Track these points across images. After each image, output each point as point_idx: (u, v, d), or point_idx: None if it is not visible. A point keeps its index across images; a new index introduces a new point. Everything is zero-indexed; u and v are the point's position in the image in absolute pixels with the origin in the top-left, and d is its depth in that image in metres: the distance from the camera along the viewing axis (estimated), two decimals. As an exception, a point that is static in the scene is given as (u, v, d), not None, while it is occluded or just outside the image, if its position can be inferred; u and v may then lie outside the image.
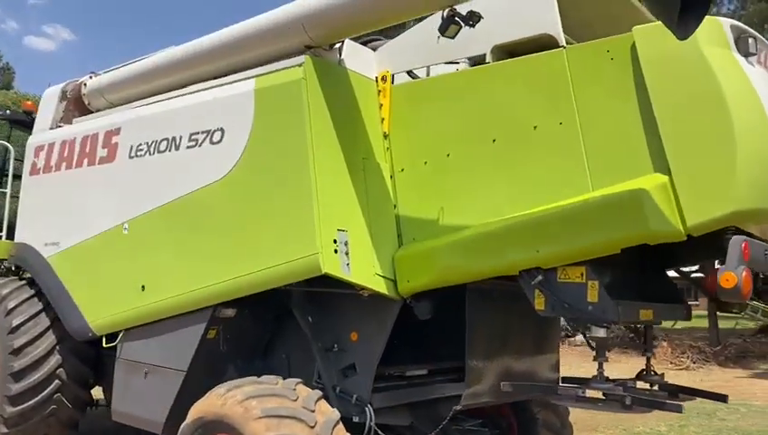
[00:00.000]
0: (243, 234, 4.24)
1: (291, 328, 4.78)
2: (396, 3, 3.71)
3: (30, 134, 7.27)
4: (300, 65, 4.12)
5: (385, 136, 4.45)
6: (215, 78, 4.88)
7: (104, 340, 5.15)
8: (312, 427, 3.59)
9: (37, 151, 6.15)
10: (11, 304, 5.69)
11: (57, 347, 5.63)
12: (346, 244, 3.97)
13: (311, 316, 4.51)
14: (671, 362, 15.23)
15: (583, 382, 3.93)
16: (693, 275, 4.51)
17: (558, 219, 3.53)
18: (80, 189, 5.60)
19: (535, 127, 3.80)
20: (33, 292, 5.81)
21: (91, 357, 5.82)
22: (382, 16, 3.85)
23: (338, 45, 4.38)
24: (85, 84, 5.99)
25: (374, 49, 4.68)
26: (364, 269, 4.03)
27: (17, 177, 7.21)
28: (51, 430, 5.68)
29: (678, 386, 4.26)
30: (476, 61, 4.47)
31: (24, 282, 5.96)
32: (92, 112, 6.02)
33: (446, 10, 3.58)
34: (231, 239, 4.30)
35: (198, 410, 3.86)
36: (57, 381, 5.59)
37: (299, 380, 4.04)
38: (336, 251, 3.90)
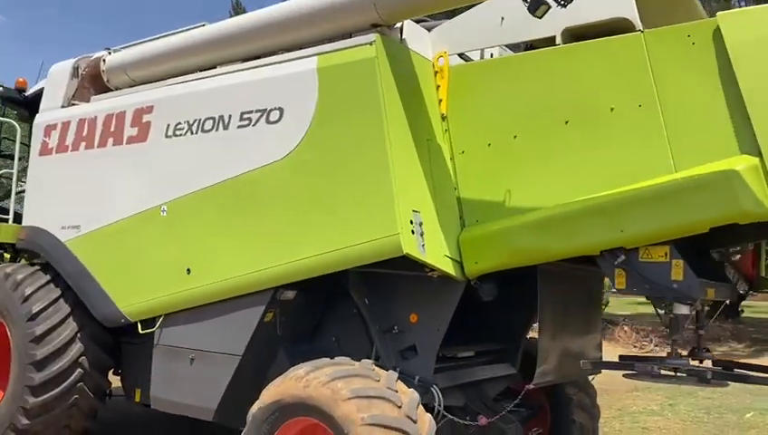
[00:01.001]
0: (311, 214, 4.15)
1: (342, 310, 4.72)
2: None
3: (23, 112, 6.94)
4: (371, 44, 4.05)
5: (443, 117, 4.43)
6: (256, 58, 4.77)
7: (139, 326, 4.96)
8: (400, 407, 3.57)
9: (48, 130, 5.86)
10: (28, 291, 5.42)
11: (79, 334, 5.40)
12: (420, 225, 3.94)
13: (367, 298, 4.47)
14: (634, 346, 15.75)
15: (647, 361, 4.03)
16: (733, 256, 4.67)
17: (646, 200, 3.59)
18: (104, 170, 5.36)
19: (612, 109, 3.85)
20: (48, 277, 5.55)
21: (110, 344, 5.63)
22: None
23: (398, 25, 4.33)
24: (104, 61, 5.72)
25: (428, 29, 4.65)
26: (435, 250, 4.02)
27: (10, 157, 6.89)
28: (72, 420, 5.46)
29: (731, 361, 4.42)
30: (529, 45, 4.52)
31: (36, 267, 5.68)
32: (112, 90, 5.76)
33: (536, -11, 3.58)
34: (297, 219, 4.20)
35: (275, 392, 3.77)
36: (80, 369, 5.37)
37: (372, 361, 4.00)
38: (413, 232, 3.87)
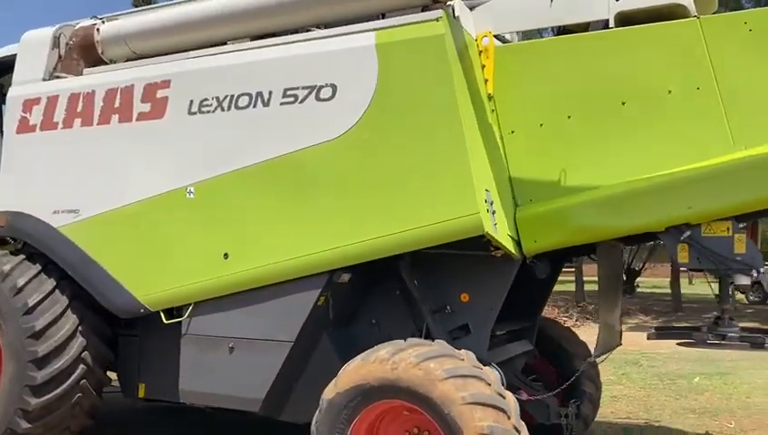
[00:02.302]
0: (375, 194, 4.04)
1: (382, 293, 4.65)
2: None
3: None
4: (437, 20, 3.99)
5: (489, 97, 4.44)
6: (294, 31, 4.58)
7: (163, 315, 4.65)
8: (490, 384, 3.58)
9: (28, 105, 5.32)
10: (20, 282, 4.92)
11: (80, 328, 4.99)
12: (492, 203, 3.96)
13: (416, 279, 4.42)
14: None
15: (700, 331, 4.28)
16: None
17: (713, 177, 3.79)
18: (108, 150, 4.95)
19: (670, 91, 4.02)
20: (38, 267, 5.07)
21: (110, 337, 5.25)
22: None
23: (451, 2, 4.29)
24: (98, 30, 5.25)
25: (470, 8, 4.63)
26: (501, 229, 4.04)
27: None
28: (73, 420, 5.05)
29: (759, 329, 4.77)
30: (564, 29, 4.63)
31: (22, 256, 5.16)
32: (106, 63, 5.31)
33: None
34: (358, 199, 4.08)
35: (356, 377, 3.67)
36: (82, 365, 4.97)
37: (442, 341, 3.97)
38: (487, 211, 3.88)
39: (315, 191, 4.22)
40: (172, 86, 4.74)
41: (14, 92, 5.45)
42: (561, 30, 4.80)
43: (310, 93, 4.25)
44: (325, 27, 4.64)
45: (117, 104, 4.93)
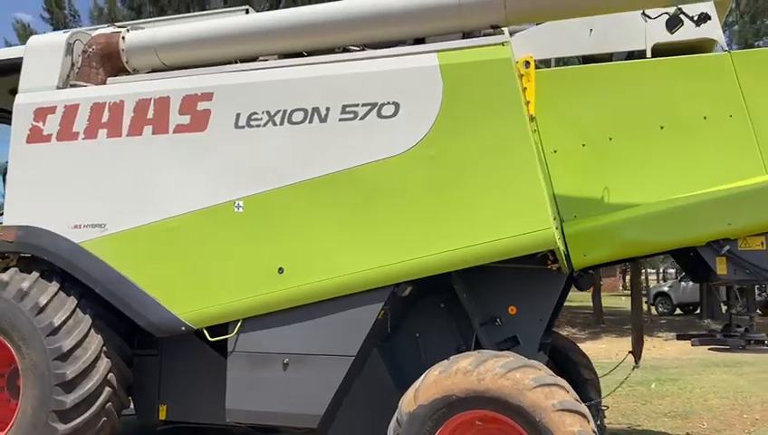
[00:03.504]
0: (441, 209, 4.13)
1: (427, 306, 4.76)
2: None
3: None
4: (503, 44, 4.18)
5: (531, 118, 4.68)
6: (344, 50, 4.66)
7: (207, 333, 4.53)
8: (568, 392, 3.77)
9: (41, 114, 5.06)
10: (42, 300, 4.66)
11: (104, 348, 4.77)
12: (555, 219, 4.17)
13: (465, 292, 4.56)
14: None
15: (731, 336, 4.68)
16: None
17: (749, 197, 4.19)
18: (139, 162, 4.78)
19: (705, 117, 4.42)
20: (56, 284, 4.80)
21: (130, 357, 5.05)
22: (598, 6, 4.11)
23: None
24: (123, 38, 5.07)
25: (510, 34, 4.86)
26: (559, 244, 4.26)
27: None
28: (96, 447, 4.79)
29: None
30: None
31: (36, 273, 4.87)
32: (129, 72, 5.14)
33: (673, 8, 4.01)
34: (424, 214, 4.16)
35: (440, 389, 3.74)
36: (108, 388, 4.76)
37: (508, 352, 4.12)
38: (554, 226, 4.08)
39: (378, 206, 4.27)
40: (215, 99, 4.66)
41: (23, 100, 5.16)
42: (585, 59, 5.13)
43: (371, 110, 4.32)
44: (361, 48, 4.75)
45: (150, 115, 4.79)
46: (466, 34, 4.56)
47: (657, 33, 4.57)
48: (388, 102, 4.30)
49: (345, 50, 4.85)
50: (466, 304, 4.53)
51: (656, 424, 7.20)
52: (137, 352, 5.14)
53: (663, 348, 14.44)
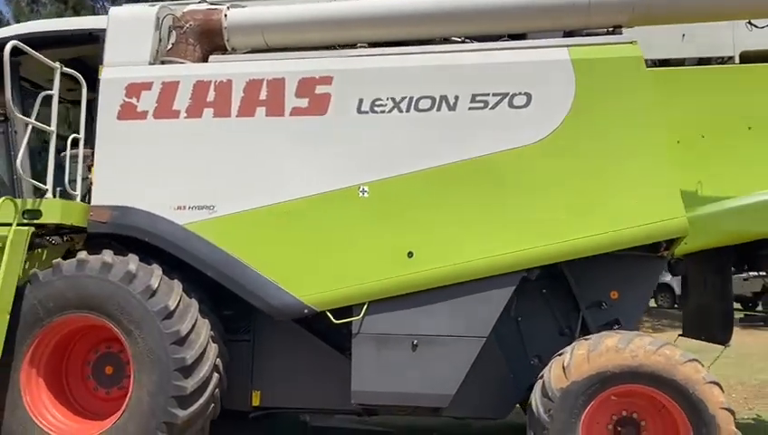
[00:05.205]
0: (577, 197, 4.35)
1: (531, 291, 4.95)
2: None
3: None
4: (632, 42, 4.46)
5: None
6: (444, 40, 4.80)
7: (331, 316, 4.52)
8: (702, 365, 4.10)
9: (134, 90, 4.88)
10: (154, 283, 4.51)
11: (211, 333, 4.67)
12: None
13: (573, 277, 4.80)
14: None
15: None
16: None
17: None
18: (251, 144, 4.71)
19: None
20: (160, 267, 4.65)
21: (226, 342, 4.96)
22: (719, 13, 4.45)
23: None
24: (225, 16, 4.95)
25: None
26: (669, 232, 4.59)
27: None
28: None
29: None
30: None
31: (134, 256, 4.68)
32: (228, 51, 5.03)
33: (784, 19, 4.42)
34: (558, 202, 4.36)
35: (595, 365, 3.96)
36: (216, 373, 4.69)
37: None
38: None
39: (508, 194, 4.44)
40: (335, 83, 4.66)
41: (112, 74, 4.93)
42: (657, 63, 5.50)
43: (502, 100, 4.48)
44: (464, 41, 4.91)
45: (262, 96, 4.72)
46: (567, 33, 4.82)
47: (744, 41, 5.00)
48: (520, 93, 4.47)
49: (445, 40, 4.98)
50: (575, 289, 4.77)
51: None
52: (237, 338, 5.05)
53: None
